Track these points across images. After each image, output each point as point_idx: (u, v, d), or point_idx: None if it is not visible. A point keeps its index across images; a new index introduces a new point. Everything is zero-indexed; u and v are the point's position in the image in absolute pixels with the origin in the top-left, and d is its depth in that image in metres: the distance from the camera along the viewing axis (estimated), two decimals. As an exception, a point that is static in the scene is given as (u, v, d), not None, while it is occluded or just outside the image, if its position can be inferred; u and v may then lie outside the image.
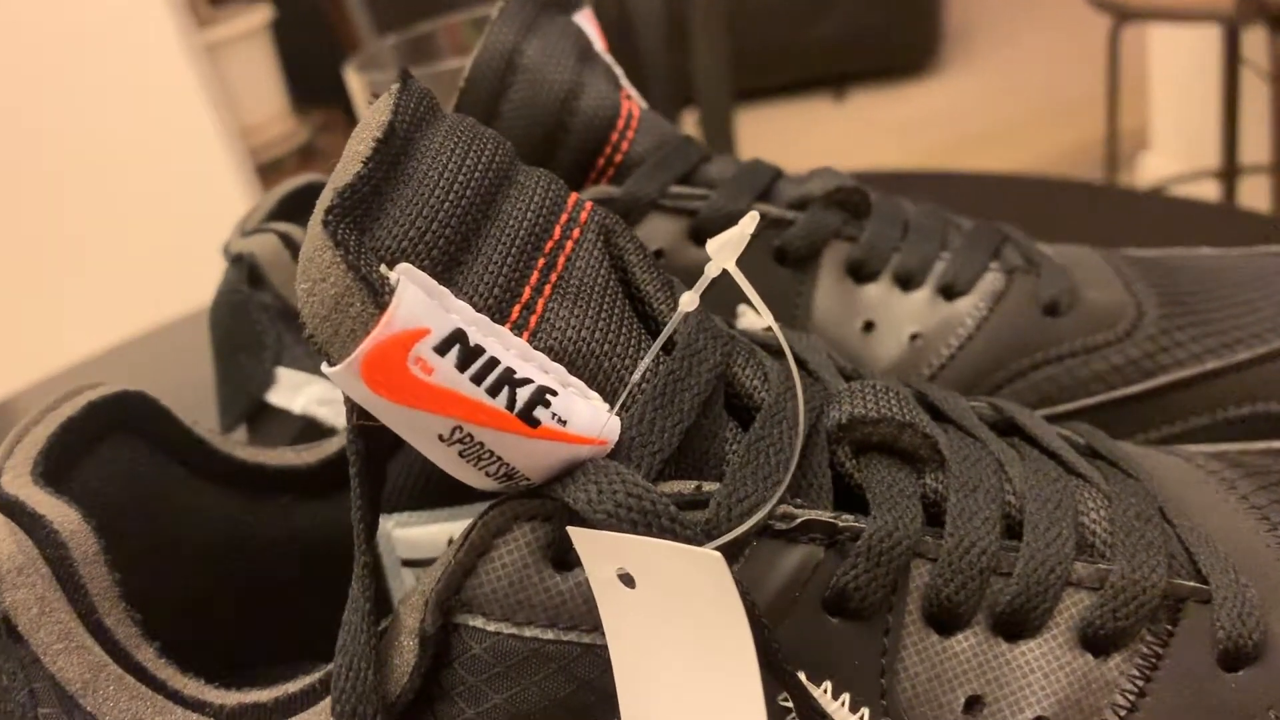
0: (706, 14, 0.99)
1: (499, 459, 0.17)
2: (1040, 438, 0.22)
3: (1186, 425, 0.29)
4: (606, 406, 0.18)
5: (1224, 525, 0.21)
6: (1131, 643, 0.19)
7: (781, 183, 0.33)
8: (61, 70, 1.18)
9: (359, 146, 0.17)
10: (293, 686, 0.20)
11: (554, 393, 0.17)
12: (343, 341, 0.16)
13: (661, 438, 0.18)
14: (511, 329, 0.17)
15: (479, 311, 0.17)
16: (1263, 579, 0.20)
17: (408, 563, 0.27)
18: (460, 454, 0.17)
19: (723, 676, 0.17)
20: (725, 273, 0.19)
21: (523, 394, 0.17)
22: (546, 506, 0.18)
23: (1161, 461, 0.24)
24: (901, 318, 0.31)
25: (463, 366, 0.16)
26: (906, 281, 0.31)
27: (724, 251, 0.18)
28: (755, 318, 0.30)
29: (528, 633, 0.18)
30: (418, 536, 0.26)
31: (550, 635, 0.18)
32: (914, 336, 0.31)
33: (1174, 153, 1.63)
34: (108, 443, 0.23)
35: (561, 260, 0.19)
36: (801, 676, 0.18)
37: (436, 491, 0.26)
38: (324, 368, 0.16)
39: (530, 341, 0.18)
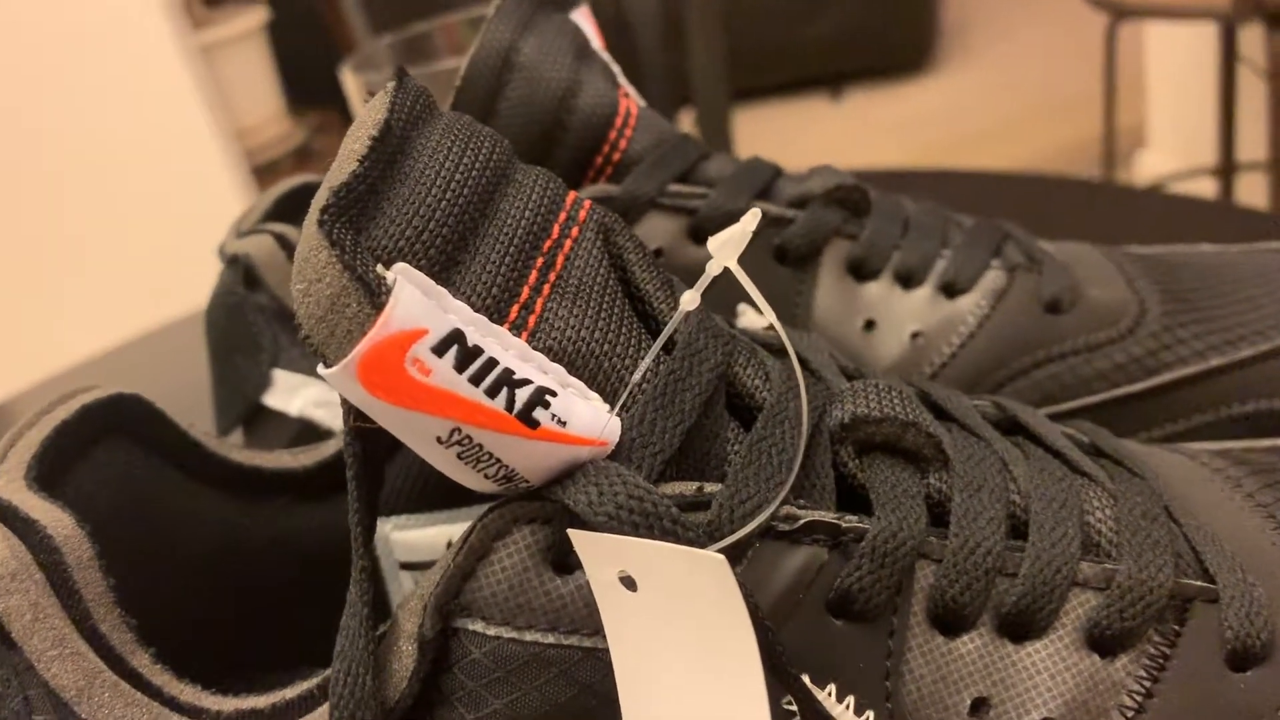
0: (702, 13, 0.98)
1: (498, 461, 0.17)
2: (1044, 436, 0.22)
3: (1190, 423, 0.29)
4: (606, 407, 0.18)
5: (1230, 524, 0.21)
6: (1138, 643, 0.19)
7: (781, 181, 0.32)
8: (56, 71, 1.18)
9: (355, 145, 0.17)
10: (290, 692, 0.19)
11: (553, 393, 0.17)
12: (339, 342, 0.16)
13: (662, 438, 0.18)
14: (510, 329, 0.17)
15: (477, 311, 0.17)
16: (1270, 578, 0.20)
17: (406, 566, 0.27)
18: (459, 456, 0.17)
19: (726, 680, 0.17)
20: (725, 271, 0.18)
21: (522, 395, 0.16)
22: (546, 509, 0.18)
23: (1166, 460, 0.24)
24: (903, 316, 0.31)
25: (461, 367, 0.16)
26: (907, 279, 0.31)
27: (725, 249, 0.18)
28: (756, 316, 0.30)
29: (528, 637, 0.18)
30: (416, 539, 0.26)
31: (551, 639, 0.18)
32: (915, 335, 0.31)
33: (1171, 150, 1.64)
34: (102, 446, 0.23)
35: (560, 259, 0.19)
36: (806, 679, 0.18)
37: (435, 494, 0.26)
38: (320, 369, 0.16)
39: (529, 341, 0.17)
